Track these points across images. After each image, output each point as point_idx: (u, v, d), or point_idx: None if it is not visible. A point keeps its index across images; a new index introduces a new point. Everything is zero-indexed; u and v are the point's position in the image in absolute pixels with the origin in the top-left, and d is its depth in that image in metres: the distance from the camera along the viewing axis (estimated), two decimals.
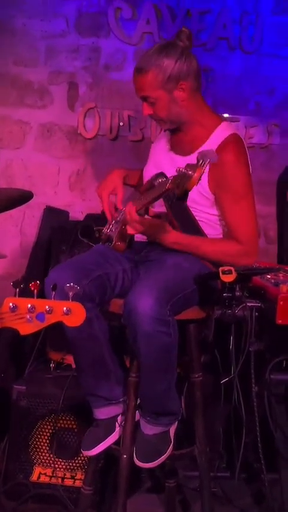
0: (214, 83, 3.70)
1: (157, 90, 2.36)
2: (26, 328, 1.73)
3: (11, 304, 1.71)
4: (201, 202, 2.41)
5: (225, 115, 3.64)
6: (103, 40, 3.72)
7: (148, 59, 2.36)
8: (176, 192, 1.99)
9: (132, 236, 2.49)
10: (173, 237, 2.35)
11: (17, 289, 1.75)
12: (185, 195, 1.99)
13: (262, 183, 3.73)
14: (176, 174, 2.01)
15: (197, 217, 2.43)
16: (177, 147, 2.53)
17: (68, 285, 1.75)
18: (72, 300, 1.73)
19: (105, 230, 2.65)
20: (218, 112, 3.58)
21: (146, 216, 2.34)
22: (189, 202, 2.28)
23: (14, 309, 1.71)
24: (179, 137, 2.52)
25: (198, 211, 2.42)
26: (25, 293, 1.73)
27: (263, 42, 3.69)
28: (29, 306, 1.71)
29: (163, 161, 2.53)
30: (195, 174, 1.91)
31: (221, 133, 2.42)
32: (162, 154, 2.58)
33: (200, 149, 2.39)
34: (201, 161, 1.92)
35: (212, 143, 2.40)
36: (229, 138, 2.39)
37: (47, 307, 1.71)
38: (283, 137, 3.72)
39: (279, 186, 3.73)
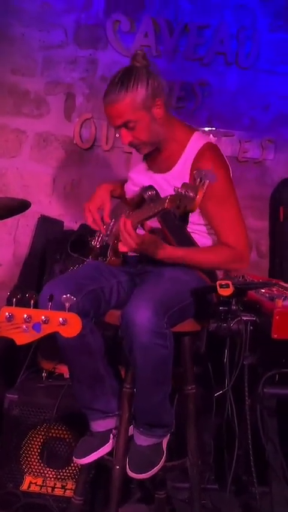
0: (210, 97, 3.74)
1: (138, 111, 2.34)
2: (22, 338, 1.72)
3: (7, 313, 1.71)
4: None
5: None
6: (101, 52, 3.75)
7: (120, 88, 2.32)
8: (177, 213, 1.96)
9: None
10: (167, 252, 2.34)
11: (14, 299, 1.75)
12: (186, 215, 1.97)
13: (255, 198, 3.77)
14: (174, 193, 1.98)
15: (188, 230, 2.45)
16: (155, 165, 2.54)
17: (64, 296, 1.75)
18: (68, 311, 1.74)
19: (94, 243, 2.66)
20: (213, 127, 3.66)
21: (139, 231, 2.34)
22: None
23: (10, 318, 1.71)
24: (155, 156, 2.52)
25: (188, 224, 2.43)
26: (19, 303, 1.73)
27: (260, 58, 3.74)
28: (25, 315, 1.71)
29: (143, 181, 2.52)
30: (198, 196, 1.87)
31: (195, 144, 2.43)
32: (141, 174, 2.58)
33: (178, 163, 2.43)
34: (200, 181, 1.89)
35: (187, 155, 2.42)
36: (204, 147, 2.41)
37: (43, 317, 1.71)
38: (277, 152, 3.77)
39: (272, 201, 3.76)
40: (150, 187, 2.40)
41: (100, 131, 3.74)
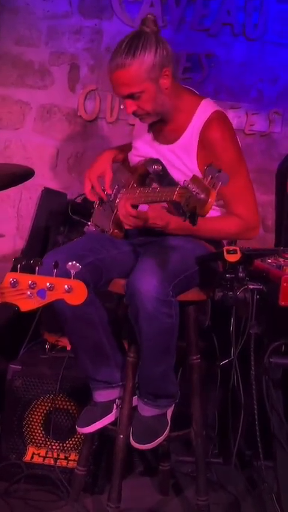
0: (217, 69, 3.70)
1: (144, 82, 2.26)
2: (27, 304, 1.70)
3: (11, 279, 1.68)
4: None
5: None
6: (106, 22, 3.71)
7: (126, 53, 2.23)
8: (186, 210, 1.80)
9: None
10: (173, 223, 2.31)
11: (19, 265, 1.72)
12: (195, 216, 1.79)
13: (261, 171, 3.74)
14: (183, 186, 1.86)
15: None
16: (161, 136, 2.47)
17: (70, 263, 1.72)
18: (74, 278, 1.71)
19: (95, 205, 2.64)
20: (220, 99, 3.61)
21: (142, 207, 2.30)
22: None
23: (14, 284, 1.68)
24: (161, 127, 2.45)
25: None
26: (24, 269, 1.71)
27: (267, 30, 3.69)
28: (30, 282, 1.68)
29: (148, 152, 2.48)
30: (210, 199, 1.70)
31: (202, 113, 2.36)
32: (146, 145, 2.52)
33: (185, 134, 2.37)
34: (211, 180, 1.72)
35: (195, 125, 2.35)
36: (212, 116, 2.34)
37: (48, 284, 1.69)
38: (284, 125, 3.73)
39: (279, 175, 3.72)
40: (157, 161, 2.34)
41: (104, 103, 3.70)
